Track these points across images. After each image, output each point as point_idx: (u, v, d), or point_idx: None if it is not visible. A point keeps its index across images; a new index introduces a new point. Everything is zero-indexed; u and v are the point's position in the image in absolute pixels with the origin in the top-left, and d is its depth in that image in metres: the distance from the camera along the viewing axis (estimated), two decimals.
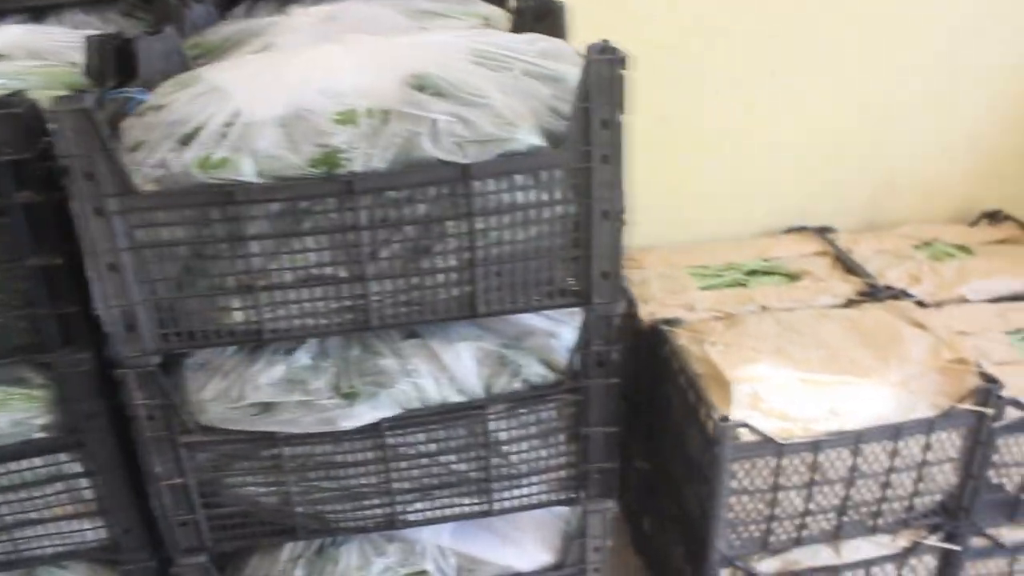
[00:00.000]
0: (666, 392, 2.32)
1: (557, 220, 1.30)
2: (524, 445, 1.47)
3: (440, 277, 1.31)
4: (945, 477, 2.21)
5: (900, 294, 2.49)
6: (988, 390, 2.10)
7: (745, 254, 2.68)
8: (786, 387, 2.08)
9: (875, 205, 2.88)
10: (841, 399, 2.08)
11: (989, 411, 2.11)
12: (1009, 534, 2.35)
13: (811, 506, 2.15)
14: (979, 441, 2.15)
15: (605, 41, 1.22)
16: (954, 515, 2.25)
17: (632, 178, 2.74)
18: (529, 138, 1.25)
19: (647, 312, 2.41)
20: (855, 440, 2.08)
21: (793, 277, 2.59)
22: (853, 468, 2.11)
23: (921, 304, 2.50)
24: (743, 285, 2.55)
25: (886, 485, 2.16)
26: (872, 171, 2.84)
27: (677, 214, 2.77)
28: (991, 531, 2.33)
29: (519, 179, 1.27)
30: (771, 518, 2.15)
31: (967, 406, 2.11)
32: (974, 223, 2.93)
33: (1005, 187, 2.95)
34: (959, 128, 2.85)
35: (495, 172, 1.24)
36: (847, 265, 2.62)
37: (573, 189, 1.28)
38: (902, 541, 2.28)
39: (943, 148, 2.86)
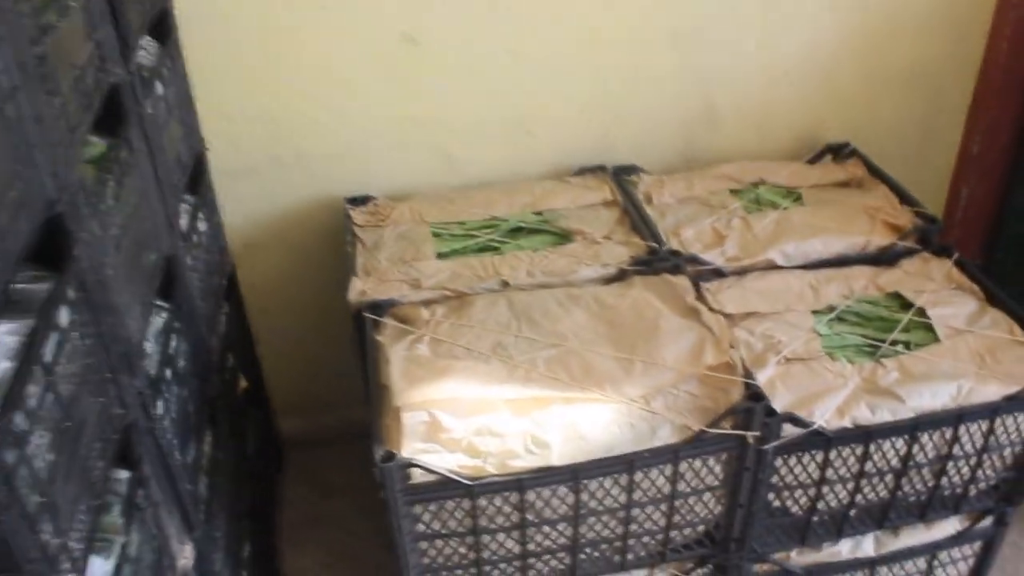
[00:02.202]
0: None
1: None
2: None
3: None
4: (707, 507, 1.61)
5: (686, 261, 1.84)
6: (751, 410, 1.48)
7: (516, 204, 2.04)
8: (479, 410, 1.47)
9: (692, 138, 2.20)
10: (555, 425, 1.48)
11: (750, 436, 1.49)
12: (800, 558, 1.77)
13: (530, 547, 1.57)
14: (745, 468, 1.55)
15: None
16: (724, 546, 1.66)
17: (377, 111, 2.08)
18: None
19: (358, 291, 1.77)
20: (571, 477, 1.48)
21: (563, 237, 1.94)
22: (576, 505, 1.51)
23: (718, 273, 1.86)
24: (495, 250, 1.91)
25: (626, 520, 1.57)
26: (686, 96, 2.16)
27: (439, 153, 2.10)
28: (778, 556, 1.75)
29: None
30: (479, 562, 1.57)
31: (722, 430, 1.49)
32: (815, 158, 2.25)
33: (854, 115, 2.27)
34: (796, 43, 2.16)
35: None
36: (635, 220, 1.96)
37: None
38: (662, 575, 1.71)
39: (775, 68, 2.19)
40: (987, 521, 1.85)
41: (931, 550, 1.85)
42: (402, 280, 1.82)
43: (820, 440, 1.59)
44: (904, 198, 2.04)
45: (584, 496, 1.54)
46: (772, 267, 1.91)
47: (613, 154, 2.19)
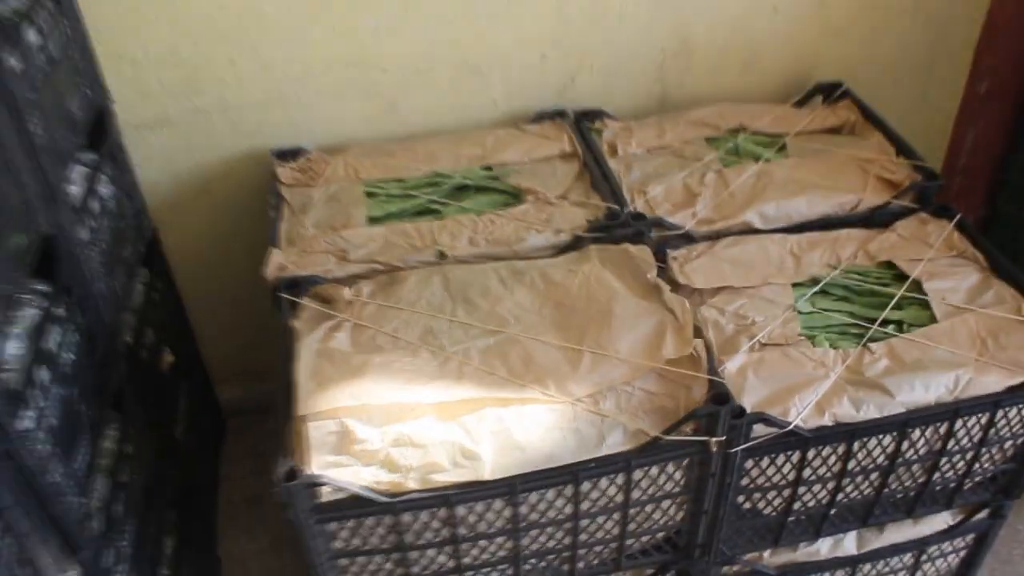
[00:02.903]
0: None
1: None
2: None
3: None
4: (667, 514, 1.39)
5: (651, 226, 1.58)
6: (715, 414, 1.24)
7: (463, 157, 1.77)
8: (398, 416, 1.23)
9: (667, 79, 1.92)
10: (486, 433, 1.25)
11: (714, 442, 1.26)
12: (773, 558, 1.56)
13: (466, 560, 1.35)
14: (710, 474, 1.32)
15: None
16: (687, 552, 1.44)
17: (306, 53, 1.79)
18: None
19: (276, 265, 1.52)
20: (507, 491, 1.26)
21: (514, 196, 1.68)
22: (515, 519, 1.29)
23: (688, 238, 1.60)
24: (436, 212, 1.64)
25: (574, 531, 1.35)
26: (660, 31, 1.86)
27: (379, 99, 1.83)
28: (749, 557, 1.54)
29: None
30: None
31: (681, 437, 1.26)
32: (803, 100, 1.95)
33: (850, 51, 1.97)
34: None
35: None
36: (595, 176, 1.69)
37: None
38: None
39: None
40: (982, 514, 1.62)
41: (919, 546, 1.63)
42: (328, 251, 1.56)
43: (796, 440, 1.35)
44: (901, 148, 1.76)
45: (524, 509, 1.31)
46: (749, 230, 1.65)
47: (578, 99, 1.91)
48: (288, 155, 1.80)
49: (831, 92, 1.95)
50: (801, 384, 1.37)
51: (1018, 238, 2.09)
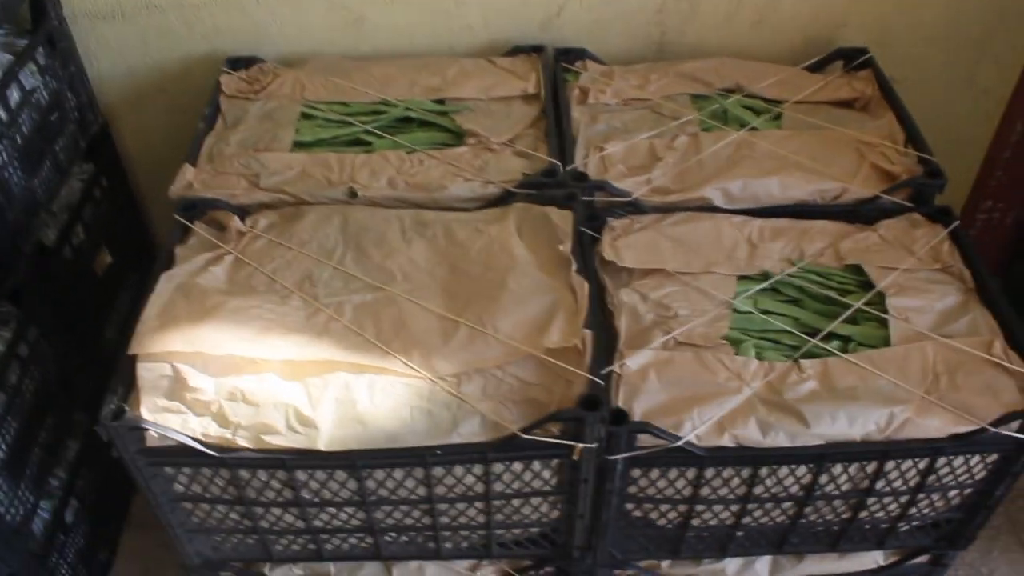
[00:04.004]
0: None
1: None
2: None
3: None
4: (538, 511, 1.25)
5: (592, 189, 1.39)
6: (580, 419, 1.07)
7: (419, 87, 1.60)
8: (236, 369, 1.12)
9: (668, 27, 1.68)
10: (328, 400, 1.12)
11: (578, 448, 1.10)
12: (673, 570, 1.41)
13: (317, 524, 1.25)
14: (582, 479, 1.16)
15: None
16: (566, 551, 1.30)
17: None
18: None
19: (185, 183, 1.40)
20: (348, 464, 1.14)
21: (457, 136, 1.50)
22: (362, 492, 1.18)
23: (634, 208, 1.40)
24: (366, 144, 1.48)
25: (432, 512, 1.22)
26: None
27: (344, 11, 1.67)
28: (645, 564, 1.39)
29: None
30: (260, 531, 1.26)
31: (542, 438, 1.10)
32: (820, 64, 1.68)
33: (888, 13, 1.67)
34: None
35: None
36: (548, 124, 1.49)
37: None
38: (488, 570, 1.38)
39: None
40: (922, 558, 1.41)
41: None
42: (241, 174, 1.43)
43: (690, 457, 1.17)
44: (912, 135, 1.49)
45: (371, 484, 1.18)
46: (708, 208, 1.43)
47: (564, 35, 1.69)
48: (242, 63, 1.66)
49: (853, 59, 1.67)
50: (707, 395, 1.18)
51: None
